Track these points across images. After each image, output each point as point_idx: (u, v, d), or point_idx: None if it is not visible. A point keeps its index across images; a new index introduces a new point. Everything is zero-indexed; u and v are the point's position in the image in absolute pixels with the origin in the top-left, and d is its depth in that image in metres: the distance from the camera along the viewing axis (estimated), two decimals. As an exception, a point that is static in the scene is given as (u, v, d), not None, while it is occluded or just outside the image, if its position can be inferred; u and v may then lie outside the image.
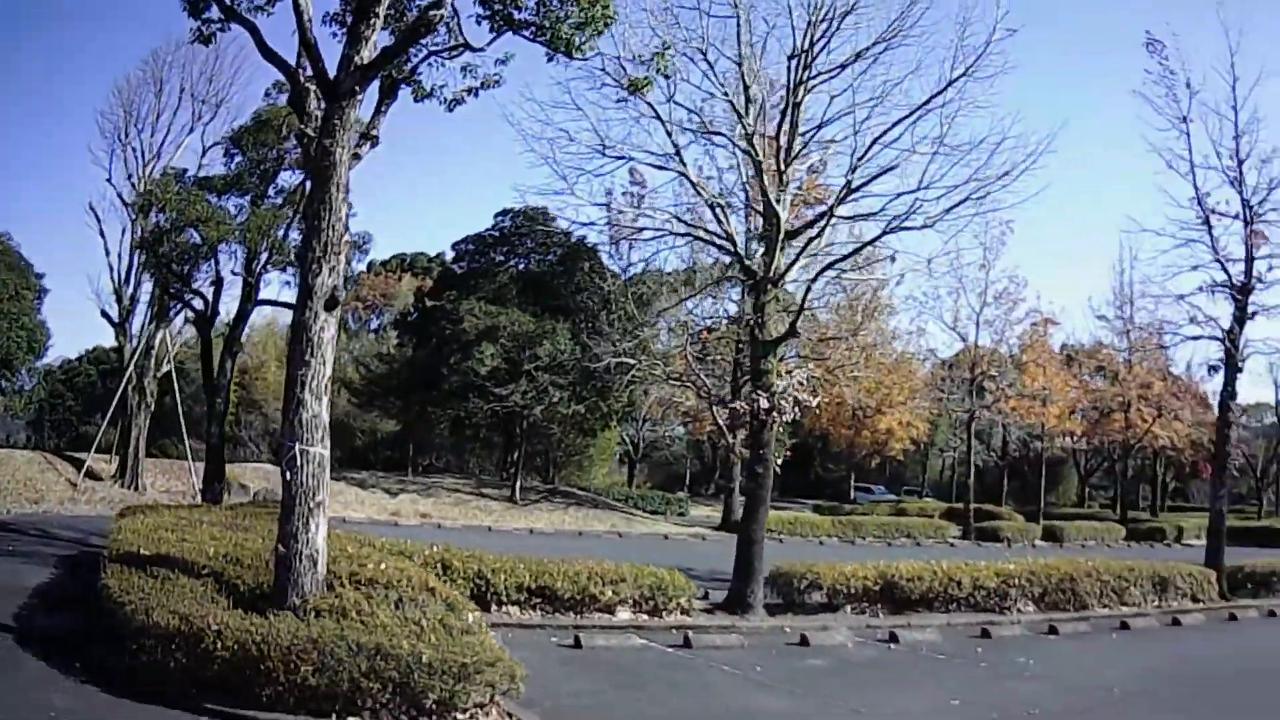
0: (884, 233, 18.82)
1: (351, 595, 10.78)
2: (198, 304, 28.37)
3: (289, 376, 11.26)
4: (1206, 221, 25.06)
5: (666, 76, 16.09)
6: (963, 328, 46.78)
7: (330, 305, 11.25)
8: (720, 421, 41.32)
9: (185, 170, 30.69)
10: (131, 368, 33.16)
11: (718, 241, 19.72)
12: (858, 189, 18.64)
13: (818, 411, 38.80)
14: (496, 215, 49.05)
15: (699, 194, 19.32)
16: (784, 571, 18.84)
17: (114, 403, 34.13)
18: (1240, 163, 24.77)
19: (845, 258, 19.62)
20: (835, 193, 19.02)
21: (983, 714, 11.75)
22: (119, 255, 36.22)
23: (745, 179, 20.90)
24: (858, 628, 17.42)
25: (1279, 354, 33.39)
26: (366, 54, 11.33)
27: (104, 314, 35.86)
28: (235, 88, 38.94)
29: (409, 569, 11.95)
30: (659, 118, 18.48)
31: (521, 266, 48.48)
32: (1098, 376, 57.12)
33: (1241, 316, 25.08)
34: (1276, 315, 25.48)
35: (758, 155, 18.59)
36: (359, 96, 11.39)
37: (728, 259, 21.07)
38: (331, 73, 11.47)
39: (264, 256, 27.01)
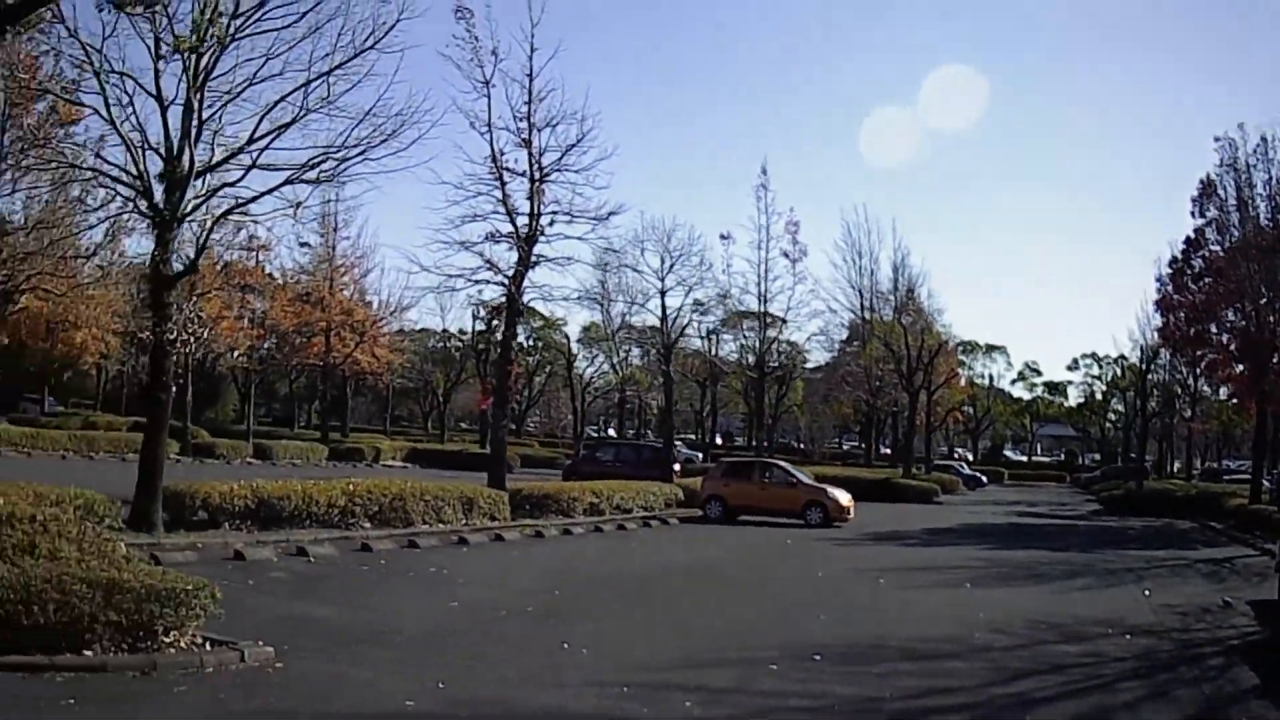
0: (285, 182, 20.44)
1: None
2: None
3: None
4: (500, 178, 28.72)
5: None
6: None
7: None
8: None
9: None
10: None
11: (126, 180, 19.67)
12: (261, 138, 19.88)
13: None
14: None
15: (117, 132, 19.18)
16: (178, 491, 19.77)
17: None
18: (531, 126, 28.76)
19: (248, 202, 20.55)
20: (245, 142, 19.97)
21: (486, 610, 14.66)
22: None
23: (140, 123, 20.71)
24: (254, 543, 18.84)
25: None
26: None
27: None
28: None
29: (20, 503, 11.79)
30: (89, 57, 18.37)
31: None
32: (301, 301, 59.38)
33: (525, 264, 29.09)
34: (555, 267, 30.22)
35: (195, 105, 19.17)
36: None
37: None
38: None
39: None
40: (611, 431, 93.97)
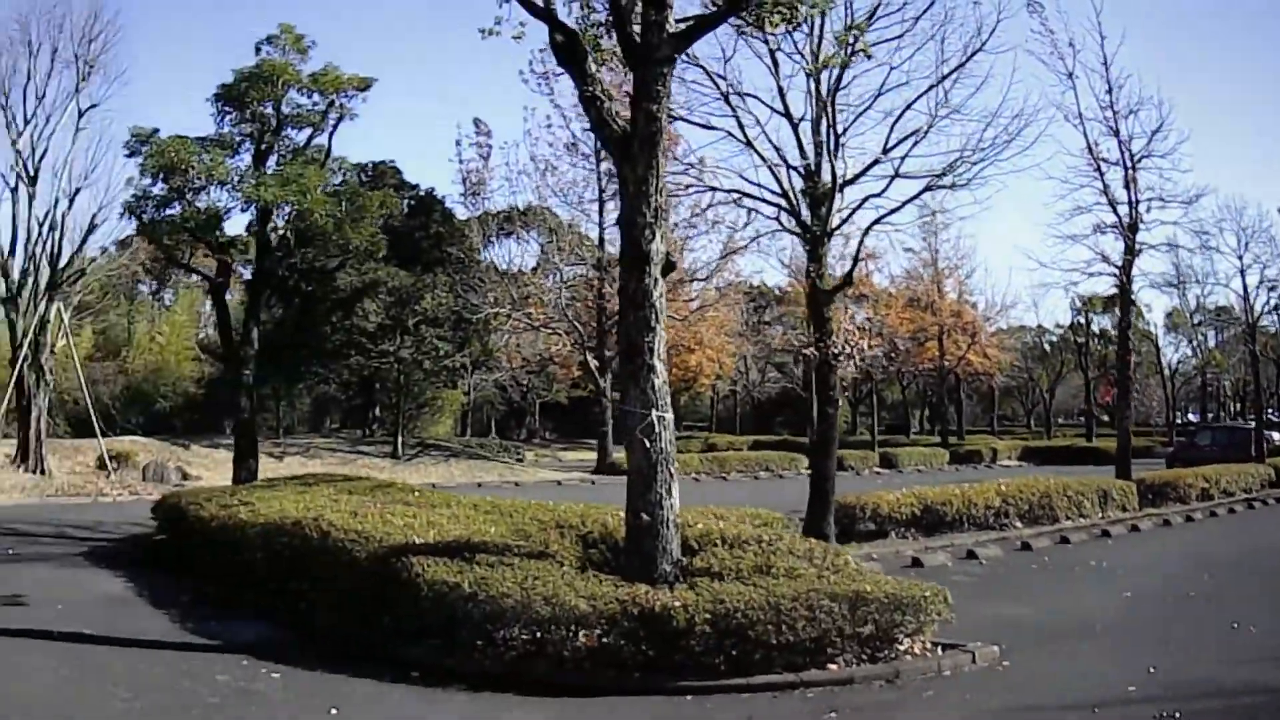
0: (925, 189, 20.71)
1: (723, 554, 11.33)
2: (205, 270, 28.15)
3: (631, 344, 11.46)
4: (1098, 168, 28.23)
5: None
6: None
7: (666, 270, 11.59)
8: (591, 365, 42.08)
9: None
10: (26, 345, 30.21)
11: (772, 199, 20.60)
12: (892, 148, 20.04)
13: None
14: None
15: (755, 152, 20.19)
16: (846, 504, 20.28)
17: (10, 382, 31.00)
18: (1115, 114, 28.02)
19: (892, 212, 20.89)
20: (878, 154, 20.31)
21: (1154, 598, 15.02)
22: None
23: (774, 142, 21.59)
24: (923, 549, 19.12)
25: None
26: (670, 17, 11.56)
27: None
28: (110, 50, 34.20)
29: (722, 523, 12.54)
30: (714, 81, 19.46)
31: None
32: (911, 307, 59.53)
33: (1131, 252, 28.54)
34: (1158, 254, 32.70)
35: (828, 120, 19.88)
36: (676, 60, 11.81)
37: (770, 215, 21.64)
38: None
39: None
40: (1192, 416, 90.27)
